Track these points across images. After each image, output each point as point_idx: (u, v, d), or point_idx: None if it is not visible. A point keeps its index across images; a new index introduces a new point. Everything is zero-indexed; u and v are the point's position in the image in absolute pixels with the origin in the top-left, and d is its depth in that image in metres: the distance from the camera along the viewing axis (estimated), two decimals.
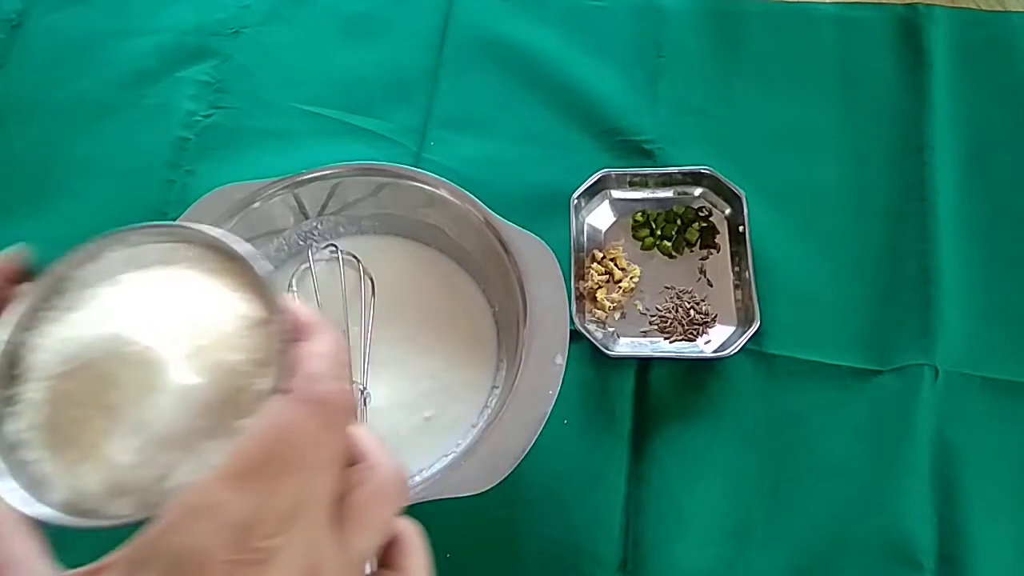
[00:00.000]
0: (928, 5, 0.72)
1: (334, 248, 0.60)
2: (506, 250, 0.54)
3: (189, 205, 0.58)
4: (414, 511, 0.46)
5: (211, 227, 0.33)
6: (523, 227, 0.55)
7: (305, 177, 0.58)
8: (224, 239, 0.34)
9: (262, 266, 0.34)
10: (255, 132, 0.71)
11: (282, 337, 0.32)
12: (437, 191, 0.57)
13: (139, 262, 0.34)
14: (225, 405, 0.31)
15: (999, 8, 0.73)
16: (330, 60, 0.75)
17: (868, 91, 0.70)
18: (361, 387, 0.52)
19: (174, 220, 0.57)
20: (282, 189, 0.58)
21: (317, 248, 0.60)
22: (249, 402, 0.31)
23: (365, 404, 0.52)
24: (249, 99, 0.73)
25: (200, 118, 0.72)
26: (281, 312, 0.32)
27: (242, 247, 0.34)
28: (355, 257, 0.59)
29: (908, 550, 0.53)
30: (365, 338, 0.54)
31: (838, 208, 0.65)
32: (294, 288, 0.57)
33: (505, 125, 0.71)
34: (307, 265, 0.59)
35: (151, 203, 0.68)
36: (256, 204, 0.58)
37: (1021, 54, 0.70)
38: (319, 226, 0.61)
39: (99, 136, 0.72)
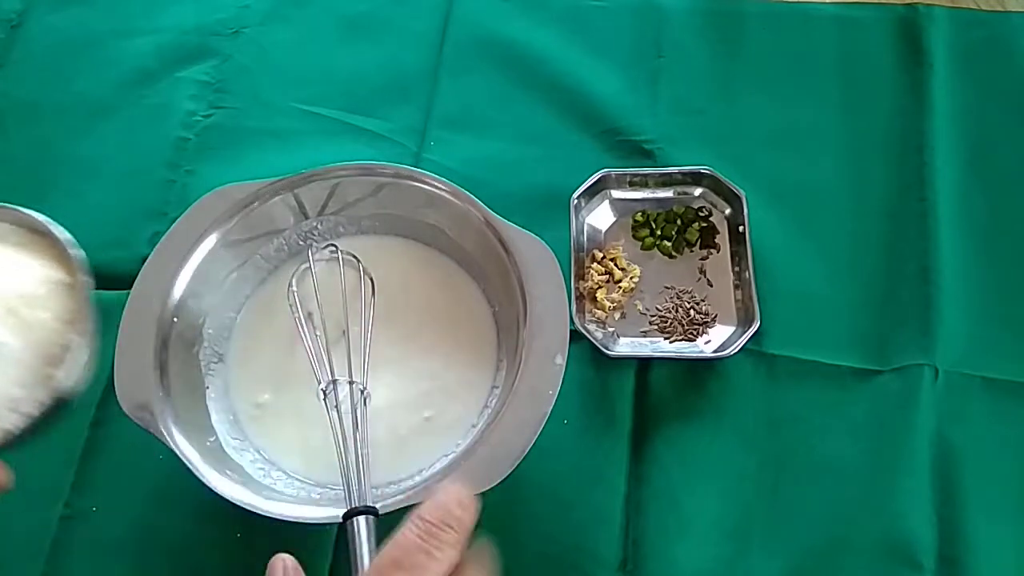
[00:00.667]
0: (928, 5, 0.72)
1: (334, 248, 0.60)
2: (506, 250, 0.54)
3: (189, 205, 0.58)
4: (414, 511, 0.46)
5: (16, 206, 0.40)
6: (523, 227, 0.55)
7: (305, 177, 0.58)
8: (29, 214, 0.40)
9: (66, 238, 0.42)
10: (255, 132, 0.72)
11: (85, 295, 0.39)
12: (437, 191, 0.57)
13: None
14: (37, 358, 0.37)
15: (999, 8, 0.73)
16: (330, 60, 0.75)
17: (868, 91, 0.70)
18: (361, 387, 0.52)
19: (174, 220, 0.57)
20: (282, 189, 0.58)
21: (317, 248, 0.60)
22: (59, 354, 0.37)
23: (365, 404, 0.52)
24: (249, 99, 0.73)
25: (200, 118, 0.72)
26: (83, 274, 0.39)
27: (46, 221, 0.41)
28: (355, 257, 0.59)
29: (908, 550, 0.53)
30: (365, 338, 0.54)
31: (838, 208, 0.65)
32: (294, 288, 0.57)
33: (505, 125, 0.71)
34: (307, 265, 0.59)
35: (151, 203, 0.68)
36: (256, 204, 0.58)
37: (1021, 54, 0.70)
38: (319, 226, 0.61)
39: (99, 136, 0.72)
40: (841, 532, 0.54)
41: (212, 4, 0.78)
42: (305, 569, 0.55)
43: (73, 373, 0.37)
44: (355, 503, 0.44)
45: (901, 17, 0.72)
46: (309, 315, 0.57)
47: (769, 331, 0.60)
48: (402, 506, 0.46)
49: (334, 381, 0.52)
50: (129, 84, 0.74)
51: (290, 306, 0.56)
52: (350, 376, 0.52)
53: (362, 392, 0.52)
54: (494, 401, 0.54)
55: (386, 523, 0.47)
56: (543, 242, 0.54)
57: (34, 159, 0.71)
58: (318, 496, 0.52)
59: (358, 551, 0.42)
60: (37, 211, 0.44)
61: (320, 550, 0.55)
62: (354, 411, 0.50)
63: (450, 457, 0.51)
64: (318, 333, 0.55)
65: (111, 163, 0.71)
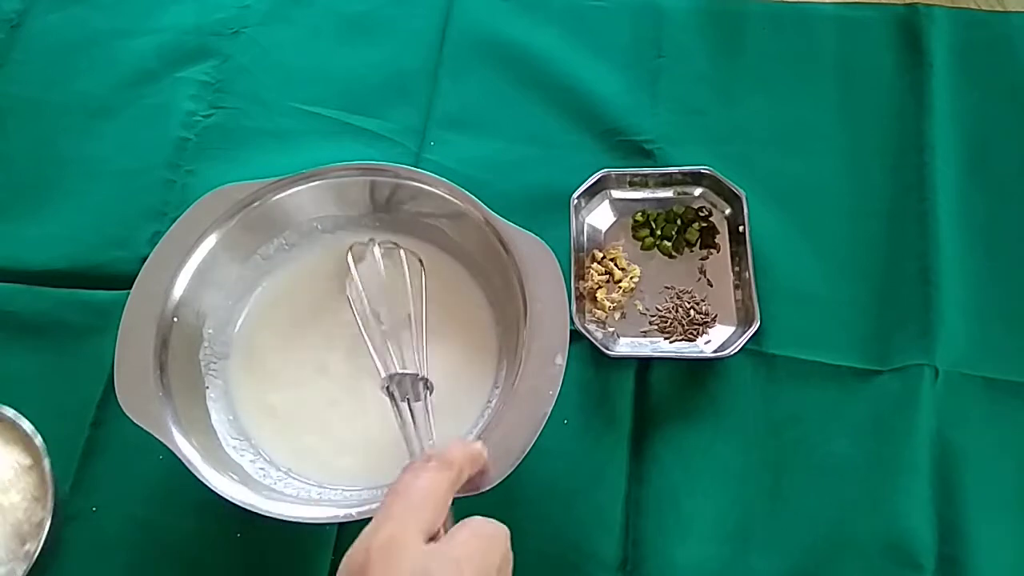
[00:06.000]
0: (928, 5, 0.72)
1: (392, 244, 0.60)
2: (506, 250, 0.54)
3: (189, 205, 0.58)
4: None
5: None
6: (523, 227, 0.55)
7: (305, 177, 0.58)
8: None
9: (30, 428, 0.47)
10: (255, 132, 0.71)
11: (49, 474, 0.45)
12: (437, 191, 0.57)
13: None
14: (14, 539, 0.42)
15: (999, 8, 0.73)
16: (330, 60, 0.75)
17: (868, 91, 0.70)
18: (423, 378, 0.52)
19: (174, 220, 0.57)
20: (282, 189, 0.58)
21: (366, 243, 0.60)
22: (31, 531, 0.42)
23: (430, 394, 0.52)
24: (249, 99, 0.73)
25: (200, 118, 0.72)
26: (46, 457, 0.46)
27: (13, 415, 0.47)
28: (395, 244, 0.60)
29: (908, 550, 0.53)
30: (420, 329, 0.55)
31: (838, 208, 0.65)
32: (358, 283, 0.57)
33: (505, 125, 0.71)
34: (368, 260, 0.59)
35: (151, 203, 0.68)
36: (256, 204, 0.58)
37: (1021, 54, 0.70)
38: (319, 226, 0.61)
39: (99, 136, 0.72)
40: (841, 532, 0.54)
41: (212, 4, 0.78)
42: (305, 569, 0.56)
43: (44, 544, 0.42)
44: None
45: (901, 17, 0.72)
46: (363, 310, 0.56)
47: (769, 331, 0.60)
48: None
49: (397, 374, 0.52)
50: (129, 84, 0.74)
51: (352, 302, 0.56)
52: (416, 368, 0.53)
53: (425, 382, 0.52)
54: (494, 401, 0.54)
55: None
56: (543, 242, 0.54)
57: (34, 159, 0.71)
58: (318, 496, 0.52)
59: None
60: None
61: (320, 550, 0.55)
62: (424, 400, 0.51)
63: None
64: (384, 328, 0.55)
65: (111, 163, 0.71)
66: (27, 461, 0.45)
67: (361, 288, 0.57)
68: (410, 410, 0.50)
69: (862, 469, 0.56)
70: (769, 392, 0.59)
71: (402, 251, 0.59)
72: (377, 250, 0.59)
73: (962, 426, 0.56)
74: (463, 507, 0.45)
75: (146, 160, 0.70)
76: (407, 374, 0.52)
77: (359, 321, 0.55)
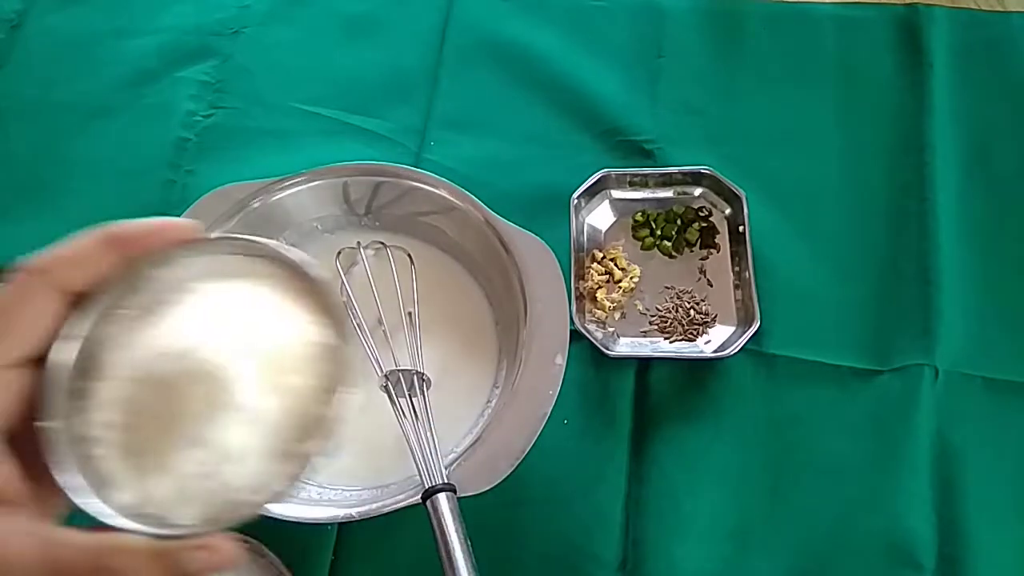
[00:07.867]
0: (928, 5, 0.72)
1: (380, 244, 0.60)
2: (506, 250, 0.54)
3: (189, 205, 0.58)
4: (414, 512, 0.46)
5: (290, 247, 0.33)
6: (523, 227, 0.55)
7: (305, 177, 0.58)
8: (303, 261, 0.33)
9: (337, 295, 0.36)
10: (255, 132, 0.71)
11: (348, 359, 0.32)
12: (437, 191, 0.57)
13: (218, 272, 0.33)
14: (288, 427, 0.31)
15: (999, 8, 0.73)
16: (330, 60, 0.75)
17: (868, 91, 0.70)
18: (420, 373, 0.52)
19: (178, 218, 0.57)
20: (282, 189, 0.58)
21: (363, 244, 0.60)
22: (311, 426, 0.32)
23: (426, 389, 0.52)
24: (249, 99, 0.73)
25: (200, 118, 0.72)
26: (350, 341, 0.33)
27: (319, 272, 0.33)
28: (382, 243, 0.59)
29: (908, 550, 0.53)
30: (414, 324, 0.54)
31: (838, 208, 0.65)
32: (347, 285, 0.57)
33: (505, 125, 0.71)
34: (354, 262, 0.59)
35: (151, 203, 0.68)
36: (256, 204, 0.58)
37: (1021, 54, 0.70)
38: (319, 226, 0.61)
39: (99, 136, 0.72)
40: (841, 532, 0.54)
41: (212, 4, 0.78)
42: (305, 569, 0.55)
43: (322, 447, 0.32)
44: (434, 482, 0.45)
45: (901, 17, 0.72)
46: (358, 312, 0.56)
47: (769, 331, 0.60)
48: (401, 506, 0.46)
49: (395, 371, 0.52)
50: (129, 84, 0.74)
51: (344, 303, 0.56)
52: (411, 364, 0.53)
53: (421, 377, 0.52)
54: (494, 401, 0.54)
55: (386, 522, 0.47)
56: (543, 242, 0.54)
57: (34, 159, 0.71)
58: (318, 496, 0.52)
59: (444, 527, 0.43)
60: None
61: (320, 550, 0.55)
62: (422, 395, 0.51)
63: (450, 457, 0.51)
64: (382, 327, 0.55)
65: (111, 163, 0.71)
66: (328, 340, 0.33)
67: (351, 291, 0.57)
68: (411, 407, 0.50)
69: (862, 469, 0.56)
70: (769, 392, 0.59)
71: (389, 249, 0.59)
72: (366, 252, 0.59)
73: (962, 426, 0.56)
74: (465, 507, 0.45)
75: (146, 160, 0.70)
76: (404, 370, 0.52)
77: (353, 323, 0.55)
